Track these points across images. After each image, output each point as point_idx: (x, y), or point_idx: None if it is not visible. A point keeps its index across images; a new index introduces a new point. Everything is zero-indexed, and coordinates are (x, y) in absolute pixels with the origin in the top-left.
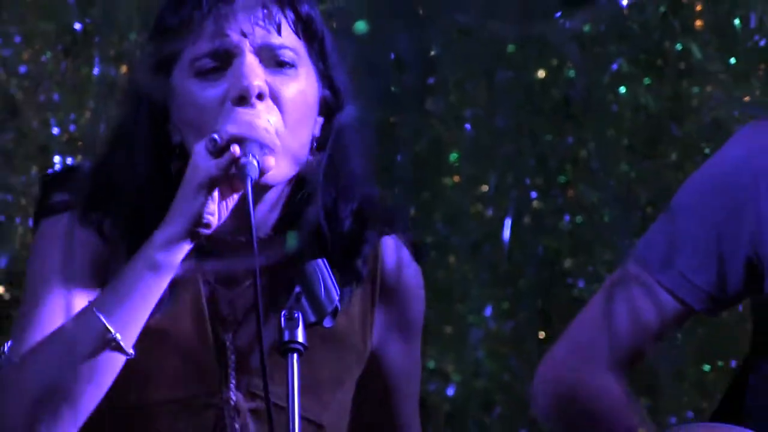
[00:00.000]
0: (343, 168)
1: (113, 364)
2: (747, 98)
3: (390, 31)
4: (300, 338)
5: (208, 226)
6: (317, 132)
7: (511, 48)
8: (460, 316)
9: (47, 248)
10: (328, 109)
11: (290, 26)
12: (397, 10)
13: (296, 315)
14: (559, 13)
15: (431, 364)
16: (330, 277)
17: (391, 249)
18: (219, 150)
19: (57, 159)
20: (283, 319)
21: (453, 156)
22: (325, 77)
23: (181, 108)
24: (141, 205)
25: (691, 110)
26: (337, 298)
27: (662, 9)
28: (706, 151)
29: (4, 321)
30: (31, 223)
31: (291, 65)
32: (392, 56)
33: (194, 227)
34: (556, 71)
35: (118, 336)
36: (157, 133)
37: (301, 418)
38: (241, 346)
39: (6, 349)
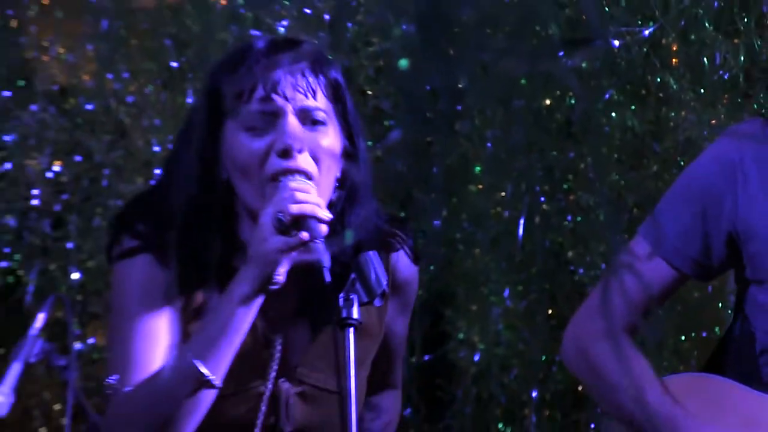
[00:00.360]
0: (357, 203)
1: (208, 398)
2: (714, 121)
3: (426, 67)
4: (355, 315)
5: (276, 283)
6: (339, 173)
7: (522, 81)
8: (483, 296)
9: (127, 289)
10: (347, 155)
11: (322, 91)
12: (432, 51)
13: (352, 297)
14: (561, 53)
15: (461, 336)
16: (379, 265)
17: (401, 258)
18: (285, 228)
19: (158, 172)
20: (341, 299)
21: (477, 168)
22: (346, 130)
23: (231, 154)
24: (192, 230)
25: (669, 131)
26: (384, 282)
27: (645, 49)
28: (681, 163)
29: None
30: None
31: (323, 123)
32: (428, 87)
33: (266, 286)
34: (559, 99)
35: (213, 377)
36: (209, 171)
37: (333, 392)
38: (287, 341)
39: (113, 380)
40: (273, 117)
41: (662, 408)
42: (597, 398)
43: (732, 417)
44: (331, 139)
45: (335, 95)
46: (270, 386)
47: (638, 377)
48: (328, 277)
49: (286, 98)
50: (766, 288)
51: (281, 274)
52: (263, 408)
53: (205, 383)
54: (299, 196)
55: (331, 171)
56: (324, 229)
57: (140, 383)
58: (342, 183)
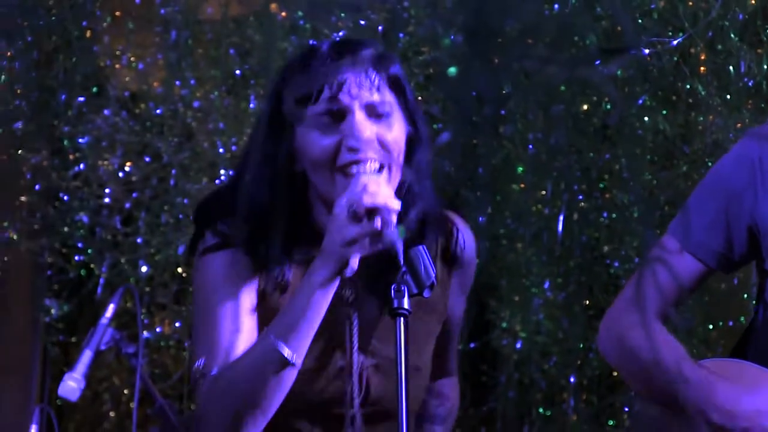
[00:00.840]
0: (417, 185)
1: (290, 377)
2: (739, 125)
3: (472, 75)
4: (406, 305)
5: (351, 268)
6: (404, 160)
7: (562, 87)
8: (525, 288)
9: (211, 280)
10: (410, 140)
11: (385, 85)
12: (478, 60)
13: (403, 288)
14: (598, 61)
15: (504, 325)
16: (429, 259)
17: (463, 234)
18: (358, 218)
19: (222, 172)
20: (392, 291)
21: (519, 169)
22: (408, 118)
23: (303, 150)
24: (271, 220)
25: (698, 134)
26: (433, 275)
27: (675, 58)
28: (709, 164)
29: (182, 295)
30: None
31: (388, 115)
32: (474, 93)
33: (341, 271)
34: (596, 105)
35: (295, 357)
36: (284, 165)
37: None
38: (361, 317)
39: (200, 364)
40: (341, 115)
41: (697, 374)
42: (631, 382)
43: (755, 400)
44: (396, 129)
45: (397, 88)
46: (352, 358)
47: (673, 354)
48: (401, 260)
49: (351, 96)
50: None
51: (355, 261)
52: (354, 380)
53: (287, 363)
54: (371, 188)
55: (398, 160)
56: (394, 218)
57: (226, 366)
58: (408, 167)
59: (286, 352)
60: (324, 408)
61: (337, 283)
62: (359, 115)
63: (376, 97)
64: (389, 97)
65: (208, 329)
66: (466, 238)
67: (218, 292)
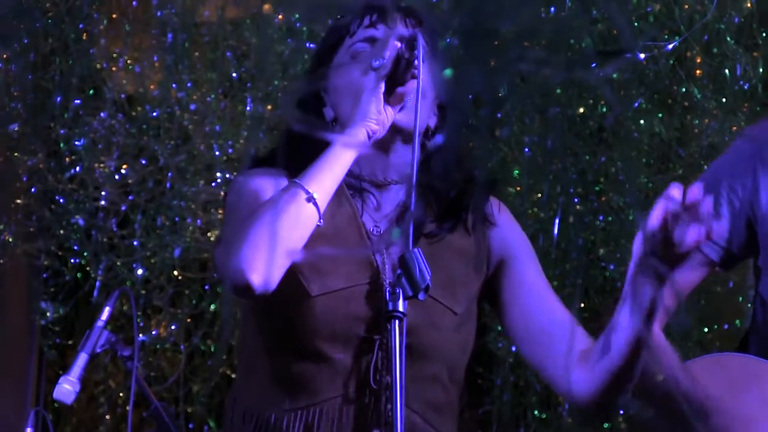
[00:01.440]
0: (450, 152)
1: (311, 216)
2: (735, 128)
3: (469, 77)
4: (401, 308)
5: (375, 124)
6: (432, 123)
7: (558, 90)
8: None
9: (246, 180)
10: (441, 107)
11: (423, 33)
12: (475, 62)
13: (398, 290)
14: (594, 64)
15: (499, 327)
16: (423, 262)
17: (495, 203)
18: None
19: (218, 175)
20: (387, 293)
21: (515, 171)
22: (437, 73)
23: (338, 86)
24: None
25: (693, 137)
26: (428, 277)
27: (671, 61)
28: (705, 167)
29: (178, 298)
30: (200, 222)
31: (423, 59)
32: (470, 96)
33: (367, 120)
34: (592, 107)
35: (314, 194)
36: (317, 115)
37: (441, 304)
38: (387, 248)
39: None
40: (374, 44)
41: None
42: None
43: (754, 392)
44: (428, 69)
45: (432, 42)
46: (385, 281)
47: (670, 367)
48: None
49: (389, 27)
50: None
51: (380, 112)
52: (387, 300)
53: (308, 198)
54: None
55: (428, 104)
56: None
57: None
58: (438, 114)
59: (306, 187)
60: (353, 331)
61: (363, 147)
62: (394, 43)
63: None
64: (424, 43)
65: (237, 211)
66: (496, 205)
67: (252, 185)
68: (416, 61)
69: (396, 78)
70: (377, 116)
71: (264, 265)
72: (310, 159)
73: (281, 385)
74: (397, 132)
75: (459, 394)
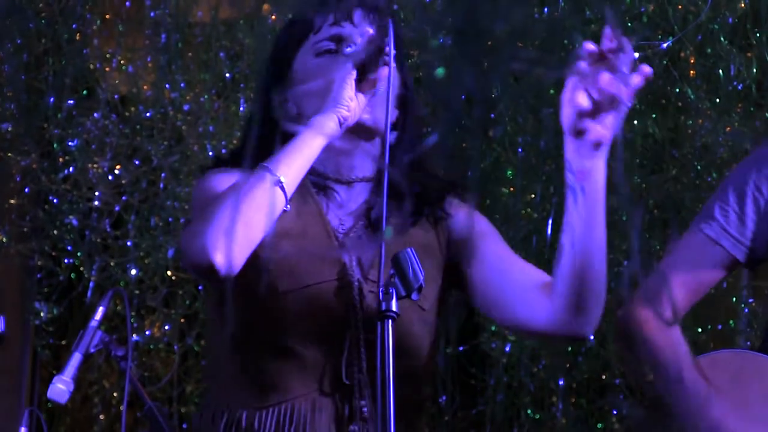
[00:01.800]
0: (413, 146)
1: (277, 200)
2: (728, 128)
3: (462, 77)
4: (394, 308)
5: (346, 111)
6: (394, 117)
7: (551, 90)
8: None
9: (211, 176)
10: (403, 104)
11: (389, 32)
12: (468, 62)
13: (391, 290)
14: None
15: (493, 327)
16: (417, 262)
17: (454, 202)
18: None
19: None
20: (380, 293)
21: (509, 172)
22: (402, 78)
23: (302, 78)
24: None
25: (687, 137)
26: (421, 277)
27: (665, 62)
28: (698, 167)
29: (172, 298)
30: None
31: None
32: (463, 96)
33: (339, 107)
34: None
35: (282, 177)
36: (279, 111)
37: (402, 297)
38: (358, 248)
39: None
40: (341, 42)
41: (694, 385)
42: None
43: (755, 387)
44: (393, 73)
45: (397, 42)
46: (353, 277)
47: (677, 357)
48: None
49: (355, 26)
50: None
51: (352, 99)
52: (355, 297)
53: (275, 182)
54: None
55: (394, 92)
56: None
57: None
58: (396, 128)
59: (273, 170)
60: (323, 327)
61: (333, 136)
62: (357, 39)
63: (377, 34)
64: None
65: (203, 207)
66: (451, 201)
67: (217, 181)
68: (387, 48)
69: (367, 64)
70: (349, 103)
71: (228, 245)
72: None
73: (251, 383)
74: (361, 130)
75: (428, 388)
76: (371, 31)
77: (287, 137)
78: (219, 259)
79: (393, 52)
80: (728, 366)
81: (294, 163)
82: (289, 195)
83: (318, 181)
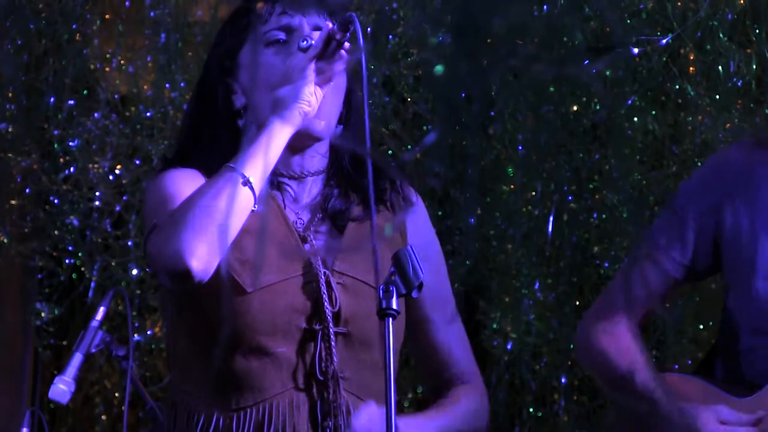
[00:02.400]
0: (357, 138)
1: (247, 200)
2: (728, 125)
3: (461, 74)
4: (394, 306)
5: (307, 105)
6: (338, 114)
7: (551, 87)
8: (515, 289)
9: (166, 178)
10: (348, 100)
11: (337, 22)
12: (467, 59)
13: (391, 288)
14: (587, 60)
15: (494, 325)
16: (417, 260)
17: (413, 191)
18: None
19: None
20: (381, 291)
21: (509, 169)
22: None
23: (251, 70)
24: (221, 155)
25: (687, 134)
26: (422, 275)
27: (664, 58)
28: (699, 164)
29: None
30: None
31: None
32: (463, 94)
33: (300, 101)
34: (585, 105)
35: (250, 178)
36: (226, 103)
37: (371, 286)
38: (315, 239)
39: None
40: (291, 32)
41: (647, 385)
42: (604, 387)
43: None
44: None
45: (345, 28)
46: (319, 271)
47: (627, 362)
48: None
49: (303, 16)
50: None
51: (312, 94)
52: (322, 290)
53: (244, 182)
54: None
55: (339, 97)
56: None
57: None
58: (341, 121)
59: (240, 171)
60: (293, 323)
61: (296, 125)
62: (307, 29)
63: (326, 25)
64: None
65: (162, 206)
66: (406, 190)
67: (173, 183)
68: (346, 43)
69: (324, 58)
70: (309, 97)
71: (203, 249)
72: (222, 151)
73: (225, 384)
74: (308, 136)
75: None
76: (330, 24)
77: (238, 132)
78: (195, 264)
79: (362, 45)
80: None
81: (261, 162)
82: (257, 194)
83: (271, 178)
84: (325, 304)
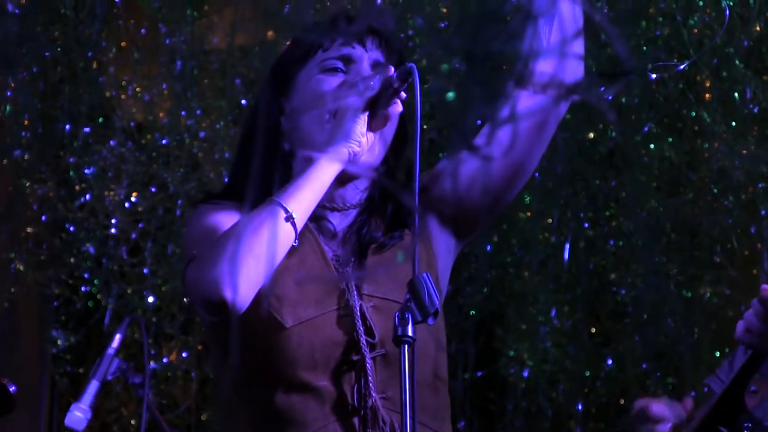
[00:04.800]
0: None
1: (288, 235)
2: (744, 152)
3: (473, 100)
4: (410, 333)
5: (357, 146)
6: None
7: (568, 115)
8: (532, 316)
9: (207, 209)
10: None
11: (394, 59)
12: (479, 85)
13: (407, 316)
14: (603, 88)
15: (511, 353)
16: (432, 287)
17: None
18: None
19: None
20: (396, 318)
21: (526, 197)
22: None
23: (303, 94)
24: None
25: (703, 161)
26: (437, 302)
27: (681, 85)
28: (715, 191)
29: (189, 325)
30: None
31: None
32: (478, 122)
33: (351, 141)
34: (602, 132)
35: (293, 213)
36: (275, 123)
37: (393, 301)
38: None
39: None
40: (349, 62)
41: None
42: None
43: None
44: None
45: (404, 79)
46: (355, 303)
47: None
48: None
49: (364, 49)
50: None
51: (363, 135)
52: (357, 322)
53: (287, 218)
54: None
55: (389, 131)
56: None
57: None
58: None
59: (284, 204)
60: (332, 356)
61: (342, 164)
62: (366, 66)
63: (383, 60)
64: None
65: (202, 236)
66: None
67: (212, 213)
68: (403, 93)
69: (378, 104)
70: (360, 138)
71: (240, 280)
72: (267, 178)
73: (270, 420)
74: (352, 174)
75: (447, 392)
76: (392, 70)
77: (288, 165)
78: (230, 294)
79: (419, 99)
80: None
81: (305, 198)
82: (299, 230)
83: (317, 213)
84: (362, 336)
